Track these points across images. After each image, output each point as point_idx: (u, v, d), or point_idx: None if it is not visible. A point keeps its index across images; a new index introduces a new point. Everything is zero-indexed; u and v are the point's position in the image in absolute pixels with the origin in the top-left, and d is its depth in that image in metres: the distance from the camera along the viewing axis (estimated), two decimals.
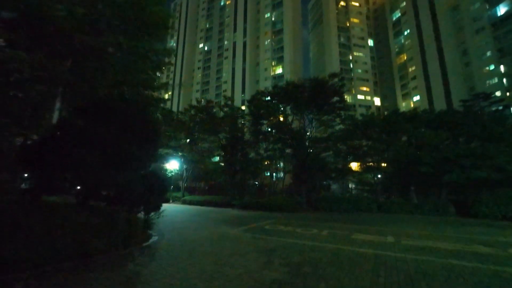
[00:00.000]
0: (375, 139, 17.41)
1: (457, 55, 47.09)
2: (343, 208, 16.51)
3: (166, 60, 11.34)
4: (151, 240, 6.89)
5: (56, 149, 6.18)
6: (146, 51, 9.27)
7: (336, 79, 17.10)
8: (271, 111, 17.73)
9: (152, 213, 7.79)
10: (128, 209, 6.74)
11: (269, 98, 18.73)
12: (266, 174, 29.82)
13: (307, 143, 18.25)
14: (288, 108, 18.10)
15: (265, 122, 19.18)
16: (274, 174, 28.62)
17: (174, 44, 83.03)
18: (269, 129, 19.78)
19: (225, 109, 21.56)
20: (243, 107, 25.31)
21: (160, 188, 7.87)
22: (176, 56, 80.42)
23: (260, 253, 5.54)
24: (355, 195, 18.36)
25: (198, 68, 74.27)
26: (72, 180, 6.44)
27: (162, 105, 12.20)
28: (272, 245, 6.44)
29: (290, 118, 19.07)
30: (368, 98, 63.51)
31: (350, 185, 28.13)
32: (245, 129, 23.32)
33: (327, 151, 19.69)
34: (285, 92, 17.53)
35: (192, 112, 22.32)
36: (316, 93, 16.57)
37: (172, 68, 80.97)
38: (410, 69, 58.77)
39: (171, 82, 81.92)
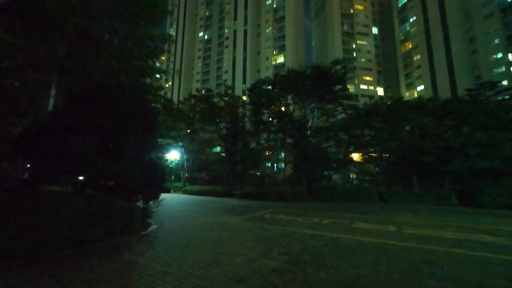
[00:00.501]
0: (378, 128, 17.08)
1: (464, 43, 45.80)
2: (344, 198, 16.46)
3: (164, 46, 11.00)
4: (150, 229, 6.84)
5: (50, 137, 6.02)
6: (142, 36, 8.92)
7: (339, 67, 16.60)
8: (272, 99, 17.31)
9: (151, 202, 7.69)
10: (125, 198, 6.64)
11: (270, 86, 18.27)
12: (267, 165, 29.80)
13: (308, 133, 17.96)
14: (289, 97, 17.64)
15: (266, 111, 18.83)
16: (275, 164, 28.59)
17: (174, 33, 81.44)
18: (270, 119, 19.46)
19: (226, 98, 21.18)
20: (244, 98, 24.89)
21: (159, 177, 7.74)
22: (175, 45, 78.94)
23: (259, 242, 5.45)
24: (356, 185, 18.25)
25: (198, 58, 73.04)
26: (67, 169, 6.30)
27: (160, 92, 11.89)
28: (272, 234, 6.35)
29: (291, 108, 18.69)
30: (371, 88, 62.53)
31: (351, 176, 28.10)
32: (246, 119, 23.03)
33: (329, 141, 19.43)
34: (286, 80, 17.09)
35: (192, 101, 21.99)
36: (318, 81, 16.11)
37: (171, 58, 79.90)
38: (414, 58, 57.41)
39: (171, 72, 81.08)
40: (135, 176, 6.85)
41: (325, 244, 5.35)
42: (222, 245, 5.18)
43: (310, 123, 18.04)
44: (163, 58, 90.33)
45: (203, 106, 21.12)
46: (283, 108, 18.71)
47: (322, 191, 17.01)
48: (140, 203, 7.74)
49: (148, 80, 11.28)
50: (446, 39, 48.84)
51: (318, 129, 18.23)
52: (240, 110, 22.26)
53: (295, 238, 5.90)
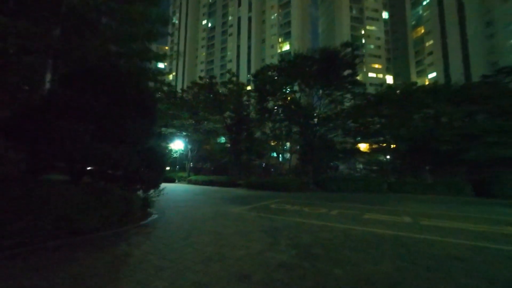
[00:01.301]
0: (390, 115, 16.20)
1: (480, 27, 43.28)
2: (352, 188, 15.97)
3: (164, 29, 10.42)
4: (149, 219, 6.54)
5: (42, 121, 5.66)
6: (139, 15, 8.33)
7: (349, 50, 15.64)
8: (278, 86, 16.53)
9: (152, 191, 7.38)
10: (123, 187, 6.32)
11: (275, 73, 17.41)
12: (272, 155, 29.34)
13: (315, 121, 17.26)
14: (296, 83, 16.80)
15: (271, 99, 18.11)
16: (280, 155, 28.12)
17: (177, 22, 79.89)
18: (276, 107, 18.77)
19: (229, 85, 20.47)
20: (249, 87, 24.11)
21: (158, 165, 7.39)
22: (178, 34, 77.77)
23: (265, 233, 5.07)
24: (363, 175, 17.65)
25: (202, 47, 71.73)
26: (62, 156, 5.98)
27: (162, 78, 11.32)
28: (278, 224, 5.96)
29: (298, 95, 17.90)
30: (380, 76, 60.42)
31: (359, 166, 27.45)
32: (251, 108, 22.41)
33: (336, 130, 18.70)
34: (292, 65, 16.28)
35: (195, 90, 21.39)
36: (327, 66, 15.25)
37: (175, 47, 78.76)
38: (427, 44, 54.91)
39: (174, 55, 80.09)
40: (134, 163, 6.50)
41: (336, 236, 4.93)
42: (224, 236, 4.82)
43: (317, 111, 17.29)
44: (167, 48, 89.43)
45: (206, 94, 20.53)
46: (289, 95, 17.90)
47: (329, 181, 16.53)
48: (140, 193, 7.45)
49: (149, 64, 10.76)
50: (462, 23, 46.29)
51: (326, 117, 17.48)
52: (245, 98, 21.58)
53: (304, 229, 5.49)
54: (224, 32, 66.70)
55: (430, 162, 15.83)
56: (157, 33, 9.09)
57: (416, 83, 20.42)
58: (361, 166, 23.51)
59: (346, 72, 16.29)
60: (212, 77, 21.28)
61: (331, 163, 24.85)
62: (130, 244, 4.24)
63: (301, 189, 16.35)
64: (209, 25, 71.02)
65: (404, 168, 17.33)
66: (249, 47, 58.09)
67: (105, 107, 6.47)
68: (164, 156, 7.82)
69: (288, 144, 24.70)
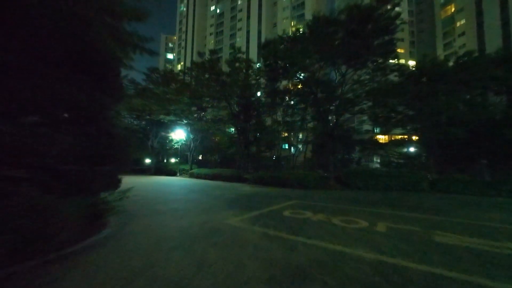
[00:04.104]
0: (434, 94, 12.76)
1: None
2: (382, 186, 13.06)
3: None
4: (92, 238, 4.13)
5: None
6: None
7: (388, 6, 12.18)
8: (293, 61, 13.37)
9: (107, 194, 4.97)
10: (46, 190, 3.90)
11: (289, 45, 14.24)
12: (283, 147, 26.52)
13: (337, 104, 14.15)
14: (314, 58, 13.45)
15: (283, 77, 14.96)
16: (291, 147, 25.29)
17: (184, 9, 77.01)
18: (289, 87, 15.66)
19: (236, 64, 17.52)
20: (258, 65, 21.02)
21: (117, 157, 4.93)
22: (186, 22, 75.11)
23: (275, 285, 2.48)
24: (396, 170, 14.53)
25: (210, 34, 68.72)
26: None
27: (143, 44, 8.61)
28: (299, 259, 3.36)
29: (316, 74, 14.61)
30: (402, 61, 55.12)
31: (374, 159, 24.03)
32: (260, 92, 19.56)
33: (361, 116, 15.49)
34: (310, 33, 13.19)
35: (194, 73, 18.55)
36: (356, 31, 12.01)
37: (183, 36, 76.26)
38: (458, 24, 49.03)
39: (183, 51, 77.37)
40: (65, 153, 4.06)
41: None
42: None
43: (338, 93, 14.13)
44: (175, 38, 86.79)
45: (207, 75, 17.69)
46: (305, 74, 14.62)
47: (353, 177, 13.65)
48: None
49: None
50: None
51: (349, 101, 14.20)
52: (252, 79, 18.47)
53: (350, 276, 2.84)
54: (233, 18, 63.27)
55: (490, 155, 12.49)
56: None
57: (475, 50, 16.39)
58: (377, 159, 20.20)
59: (380, 41, 12.99)
60: (213, 52, 18.31)
61: (352, 156, 21.82)
62: None
63: (319, 185, 13.63)
64: (218, 11, 67.66)
65: (448, 161, 13.90)
66: (259, 32, 54.51)
67: (23, 59, 4.02)
68: (126, 140, 5.35)
69: (300, 135, 21.79)
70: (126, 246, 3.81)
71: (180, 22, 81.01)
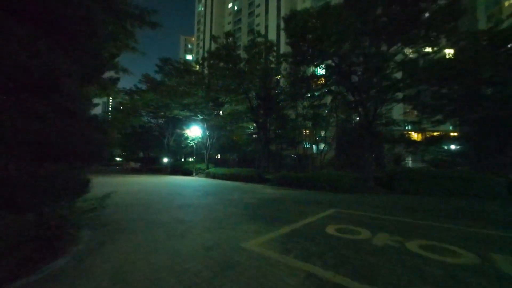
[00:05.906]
0: None
1: None
2: (440, 190, 10.40)
3: None
4: (25, 279, 2.49)
5: None
6: None
7: None
8: (327, 31, 10.66)
9: (69, 204, 3.37)
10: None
11: (319, 23, 11.75)
12: (306, 146, 24.16)
13: (382, 87, 11.48)
14: (352, 29, 10.68)
15: (309, 62, 12.57)
16: (317, 144, 22.88)
17: (202, 8, 77.00)
18: (323, 67, 13.11)
19: (254, 50, 15.59)
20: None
21: (78, 143, 3.29)
22: (204, 21, 75.04)
23: None
24: (459, 171, 11.52)
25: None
26: None
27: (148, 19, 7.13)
28: None
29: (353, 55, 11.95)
30: (436, 48, 49.66)
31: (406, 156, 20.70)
32: (282, 82, 17.50)
33: (412, 102, 12.53)
34: (346, 3, 10.78)
35: (206, 63, 16.83)
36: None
37: (201, 36, 76.30)
38: (506, 3, 42.88)
39: (201, 51, 77.41)
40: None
41: None
42: None
43: (384, 72, 11.44)
44: (193, 38, 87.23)
45: (221, 65, 15.93)
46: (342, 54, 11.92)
47: (401, 179, 11.11)
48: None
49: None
50: None
51: (393, 83, 11.36)
52: (273, 63, 16.26)
53: None
54: (251, 14, 61.77)
55: None
56: None
57: None
58: (439, 156, 16.99)
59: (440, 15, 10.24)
60: (229, 34, 16.45)
61: (387, 154, 18.95)
62: None
63: (354, 189, 11.30)
64: (235, 8, 66.57)
65: None
66: (277, 26, 52.27)
67: None
68: (96, 129, 3.73)
69: (328, 129, 19.30)
70: None
71: (198, 22, 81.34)
